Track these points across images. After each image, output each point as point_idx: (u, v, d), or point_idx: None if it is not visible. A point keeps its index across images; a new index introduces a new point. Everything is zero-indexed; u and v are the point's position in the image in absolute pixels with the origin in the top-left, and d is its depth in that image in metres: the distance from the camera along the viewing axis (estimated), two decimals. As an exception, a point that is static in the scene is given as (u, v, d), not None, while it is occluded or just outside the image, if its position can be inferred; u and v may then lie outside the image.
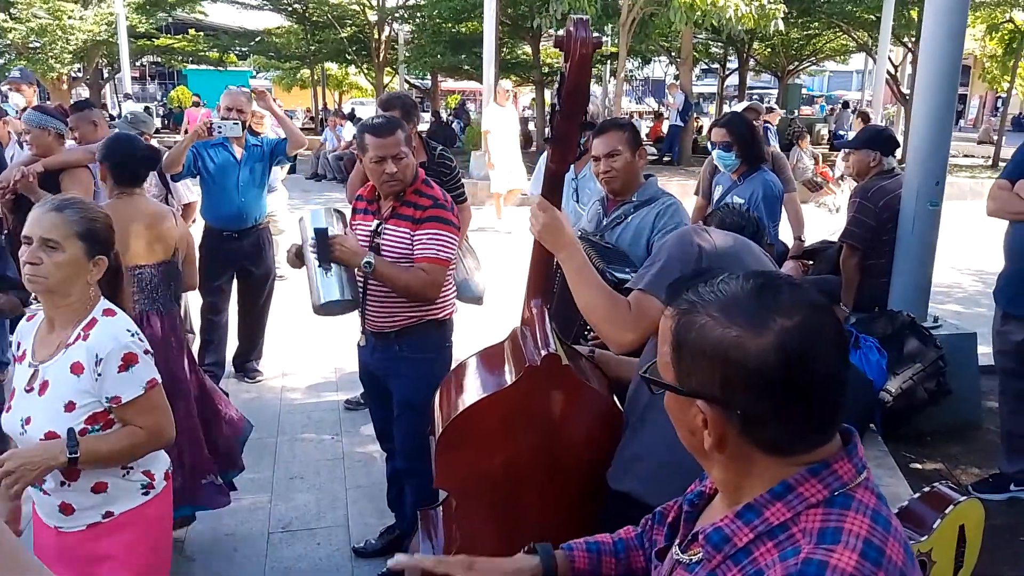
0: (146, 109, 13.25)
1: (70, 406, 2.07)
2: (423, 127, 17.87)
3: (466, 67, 23.80)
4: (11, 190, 4.25)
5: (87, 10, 22.17)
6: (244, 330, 5.60)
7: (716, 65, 28.88)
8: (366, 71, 27.30)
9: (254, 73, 32.80)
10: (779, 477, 1.08)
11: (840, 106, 28.28)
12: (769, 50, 26.14)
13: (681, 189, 11.87)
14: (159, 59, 32.42)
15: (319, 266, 2.92)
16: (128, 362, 2.11)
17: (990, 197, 3.75)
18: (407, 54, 24.85)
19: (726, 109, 17.66)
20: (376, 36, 24.12)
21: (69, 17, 21.35)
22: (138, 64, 33.11)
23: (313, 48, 26.50)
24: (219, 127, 4.84)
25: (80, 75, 25.76)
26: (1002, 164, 17.23)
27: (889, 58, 19.28)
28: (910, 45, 20.54)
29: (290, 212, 8.28)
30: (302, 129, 8.80)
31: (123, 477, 2.18)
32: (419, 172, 3.18)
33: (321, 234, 2.91)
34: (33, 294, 2.27)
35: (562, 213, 2.19)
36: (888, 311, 4.35)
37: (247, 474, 4.23)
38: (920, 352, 4.10)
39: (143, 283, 3.49)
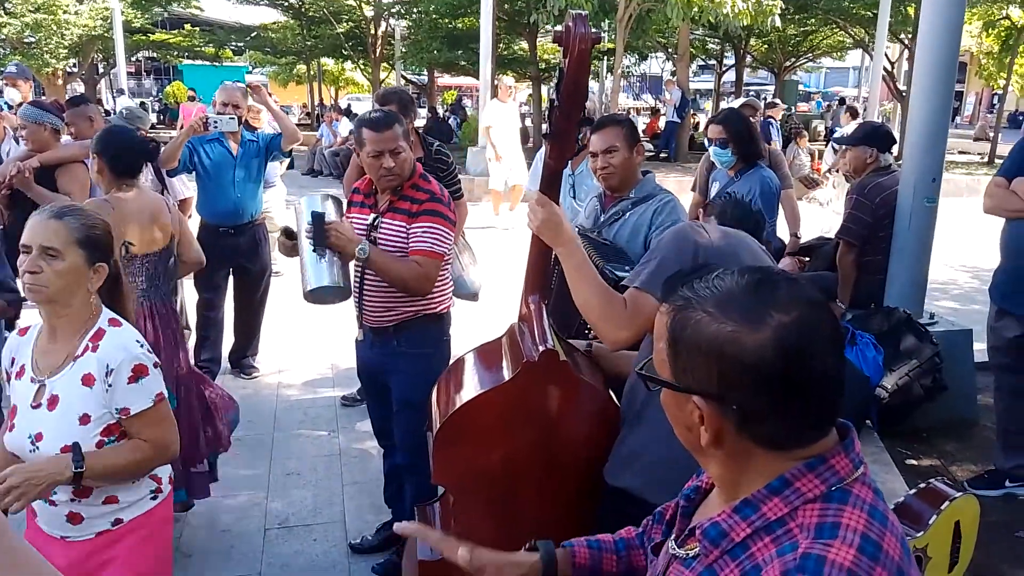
0: (141, 104, 13.22)
1: (85, 419, 2.04)
2: (419, 123, 17.84)
3: (463, 63, 23.76)
4: (7, 185, 4.24)
5: (82, 5, 22.11)
6: (240, 326, 5.59)
7: (713, 61, 28.87)
8: (362, 67, 27.28)
9: (250, 69, 32.71)
10: (776, 472, 1.08)
11: (836, 103, 28.27)
12: (766, 46, 26.13)
13: (678, 185, 11.88)
14: (155, 54, 32.37)
15: (313, 250, 2.90)
16: (138, 373, 2.09)
17: (986, 194, 3.76)
18: (403, 50, 24.80)
19: (723, 105, 17.65)
20: (372, 31, 24.09)
21: (64, 12, 21.29)
22: (134, 59, 32.97)
23: (309, 44, 26.47)
24: (215, 122, 4.83)
25: (75, 70, 25.71)
26: (998, 161, 17.34)
27: (886, 55, 19.29)
28: (907, 42, 20.56)
29: (287, 208, 8.27)
30: (298, 125, 8.76)
31: (133, 484, 2.16)
32: (416, 167, 3.18)
33: (318, 218, 2.89)
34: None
35: (561, 208, 2.19)
36: (884, 307, 4.36)
37: (243, 470, 4.24)
38: (916, 349, 4.11)
39: (149, 272, 3.51)
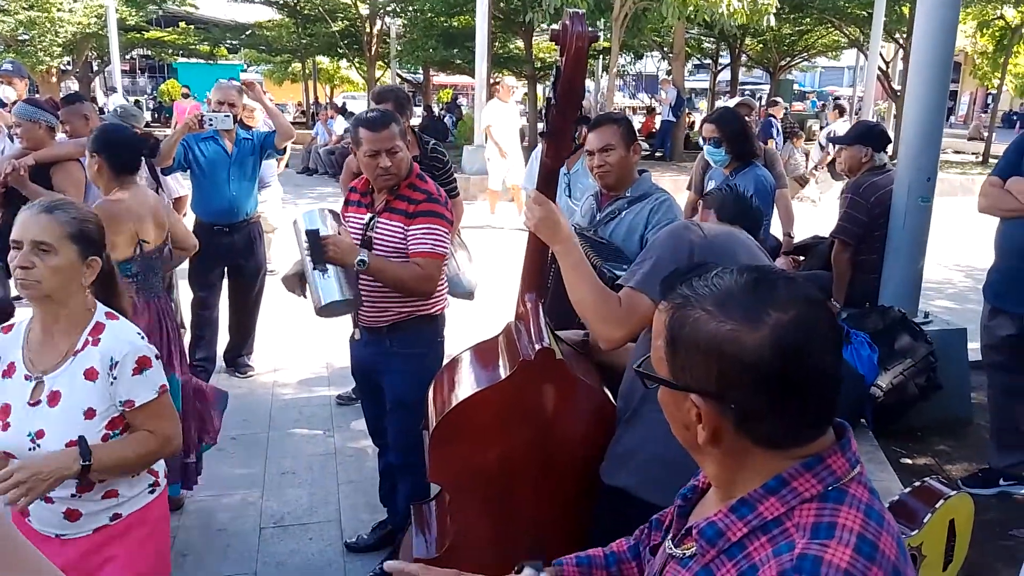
0: (136, 103, 13.17)
1: (90, 413, 2.03)
2: (415, 121, 17.83)
3: (458, 61, 23.77)
4: (1, 183, 4.22)
5: (76, 2, 22.04)
6: (235, 325, 5.59)
7: (708, 61, 28.89)
8: (358, 65, 27.25)
9: (245, 67, 32.66)
10: (773, 471, 1.08)
11: (832, 102, 28.34)
12: (761, 46, 26.16)
13: (673, 184, 11.87)
14: (149, 52, 32.27)
15: (314, 268, 2.91)
16: (142, 365, 2.09)
17: (981, 194, 3.76)
18: (399, 48, 24.78)
19: (718, 105, 17.67)
20: (368, 30, 24.07)
21: (58, 9, 21.22)
22: (128, 57, 32.89)
23: (304, 42, 26.42)
24: (210, 120, 4.82)
25: (69, 68, 25.63)
26: (992, 160, 17.39)
27: (880, 54, 19.32)
28: (901, 41, 20.60)
29: (283, 206, 8.26)
30: (293, 123, 8.75)
31: (133, 477, 2.15)
32: (413, 166, 3.17)
33: (313, 236, 2.89)
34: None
35: (558, 206, 2.19)
36: (879, 307, 4.37)
37: (238, 469, 4.24)
38: (911, 348, 4.12)
39: (155, 267, 3.54)
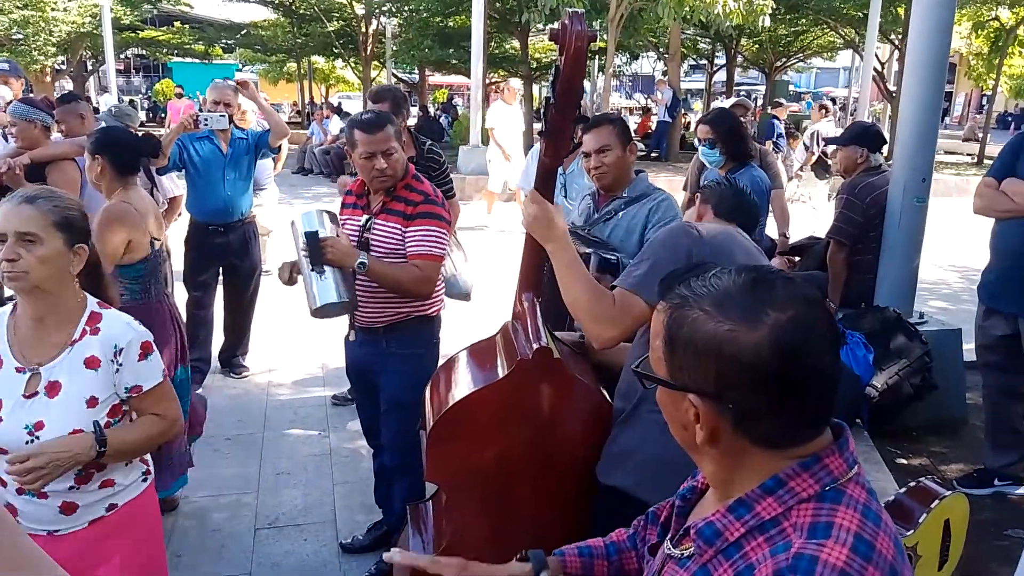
0: (131, 102, 13.15)
1: (92, 401, 2.03)
2: (410, 122, 17.84)
3: (454, 61, 23.74)
4: (-2, 182, 4.22)
5: (71, 1, 21.99)
6: (230, 325, 5.57)
7: (704, 61, 28.94)
8: (353, 65, 27.23)
9: (240, 66, 32.64)
10: (770, 471, 1.08)
11: (828, 102, 28.39)
12: (757, 46, 26.22)
13: (669, 185, 11.85)
14: (144, 52, 32.25)
15: (312, 270, 2.91)
16: (146, 350, 2.11)
17: (977, 195, 3.77)
18: (395, 48, 24.77)
19: (714, 105, 17.69)
20: (363, 30, 24.07)
21: (52, 8, 21.18)
22: (123, 56, 32.86)
23: (300, 41, 26.42)
24: (205, 120, 4.82)
25: (64, 67, 25.58)
26: (987, 162, 17.40)
27: (876, 55, 19.38)
28: (897, 42, 20.66)
29: (279, 207, 8.24)
30: (288, 123, 8.72)
31: (126, 466, 2.16)
32: (409, 167, 3.17)
33: (312, 237, 2.89)
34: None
35: (556, 206, 2.18)
36: (875, 307, 4.38)
37: (233, 470, 4.23)
38: (906, 348, 4.12)
39: (162, 265, 3.58)
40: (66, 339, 2.04)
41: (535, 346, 2.16)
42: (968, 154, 22.40)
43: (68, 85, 24.96)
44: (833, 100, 28.62)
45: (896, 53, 21.75)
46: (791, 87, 37.35)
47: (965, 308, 6.71)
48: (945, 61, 4.35)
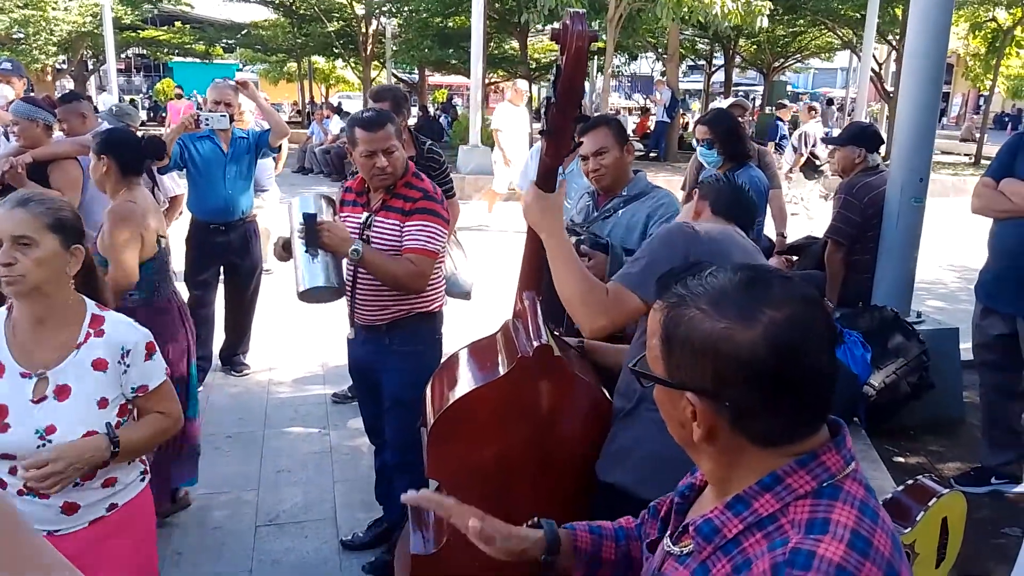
0: (131, 102, 13.13)
1: (103, 402, 2.05)
2: (410, 121, 17.83)
3: (453, 61, 23.76)
4: (-1, 181, 4.23)
5: (71, 1, 21.98)
6: (231, 324, 5.59)
7: (702, 62, 28.93)
8: (353, 65, 27.23)
9: (241, 66, 32.61)
10: (768, 468, 1.08)
11: (824, 103, 28.40)
12: (755, 47, 26.21)
13: (667, 185, 11.72)
14: (145, 51, 32.22)
15: (306, 251, 2.91)
16: (150, 351, 2.14)
17: (975, 195, 3.79)
18: (394, 48, 24.77)
19: (712, 105, 17.68)
20: (363, 30, 24.06)
21: (53, 8, 21.17)
22: (123, 56, 32.84)
23: (300, 41, 26.40)
24: (206, 120, 4.83)
25: (64, 67, 25.56)
26: (984, 162, 17.42)
27: (873, 56, 19.38)
28: (895, 43, 20.65)
29: (280, 204, 8.24)
30: (289, 123, 8.72)
31: (128, 464, 2.17)
32: (409, 165, 3.18)
33: (309, 218, 2.90)
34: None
35: (555, 194, 2.18)
36: (872, 306, 4.40)
37: (234, 468, 4.24)
38: (904, 347, 4.14)
39: (168, 263, 3.60)
40: (70, 341, 2.05)
41: (535, 344, 2.16)
42: (965, 154, 22.42)
43: (69, 84, 24.94)
44: (830, 101, 28.70)
45: (894, 54, 21.75)
46: (789, 87, 37.33)
47: (962, 307, 6.73)
48: (942, 62, 4.37)
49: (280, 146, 6.02)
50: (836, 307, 4.49)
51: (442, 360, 2.79)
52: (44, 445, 1.97)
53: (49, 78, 23.22)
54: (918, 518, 2.63)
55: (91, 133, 4.57)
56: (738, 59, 27.30)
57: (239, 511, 3.87)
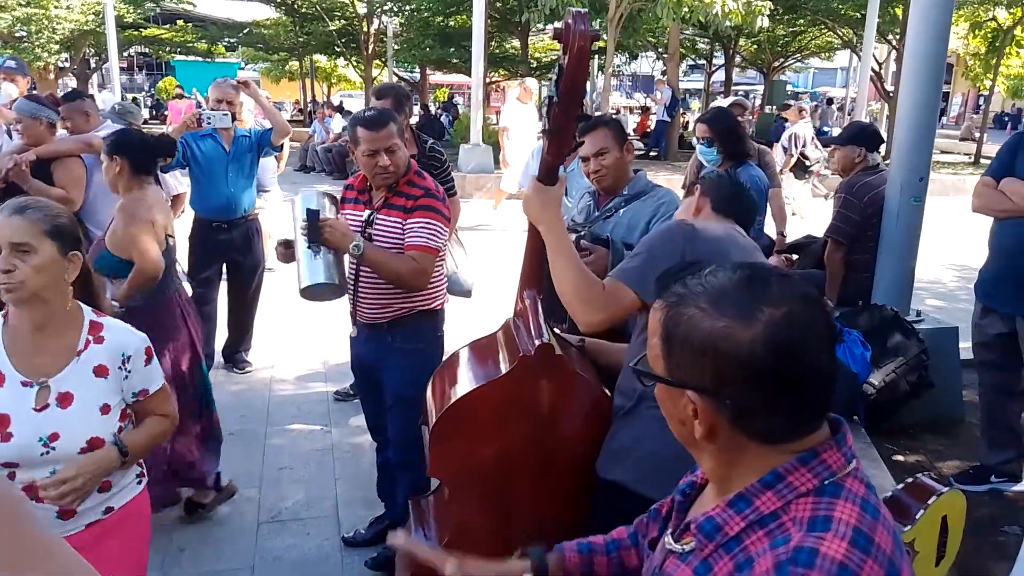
0: (133, 100, 13.12)
1: (105, 408, 2.07)
2: (412, 120, 17.82)
3: (455, 60, 23.75)
4: (3, 179, 4.23)
5: (74, -1, 22.00)
6: (233, 321, 5.61)
7: (703, 61, 28.91)
8: (355, 64, 27.22)
9: (243, 65, 32.64)
10: (769, 466, 1.09)
11: (824, 102, 28.38)
12: (755, 46, 26.19)
13: (668, 184, 11.71)
14: (147, 50, 32.21)
15: (307, 247, 2.93)
16: (149, 355, 2.17)
17: (975, 194, 3.80)
18: (396, 47, 24.76)
19: (712, 105, 17.69)
20: (365, 29, 24.04)
21: (55, 6, 21.16)
22: (126, 55, 32.85)
23: (302, 40, 26.40)
24: (208, 118, 4.85)
25: (67, 65, 25.55)
26: (984, 161, 17.41)
27: (873, 55, 19.36)
28: (895, 42, 20.64)
29: (283, 203, 8.24)
30: (290, 121, 8.72)
31: (123, 467, 2.17)
32: (411, 163, 3.19)
33: (312, 215, 2.91)
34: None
35: (555, 187, 2.19)
36: (872, 305, 4.40)
37: (236, 465, 4.25)
38: (903, 346, 4.14)
39: (174, 261, 3.64)
40: (70, 348, 2.06)
41: (537, 342, 2.17)
42: (965, 154, 22.39)
43: (72, 83, 24.94)
44: (830, 100, 28.65)
45: (894, 53, 21.73)
46: (789, 87, 37.32)
47: (962, 307, 6.74)
48: (943, 61, 4.37)
49: (282, 145, 6.03)
50: (836, 306, 4.50)
51: (443, 358, 2.81)
52: (48, 453, 1.99)
53: (52, 76, 23.21)
54: (918, 516, 2.63)
55: (93, 132, 4.59)
56: (738, 59, 27.28)
57: (241, 508, 3.89)
